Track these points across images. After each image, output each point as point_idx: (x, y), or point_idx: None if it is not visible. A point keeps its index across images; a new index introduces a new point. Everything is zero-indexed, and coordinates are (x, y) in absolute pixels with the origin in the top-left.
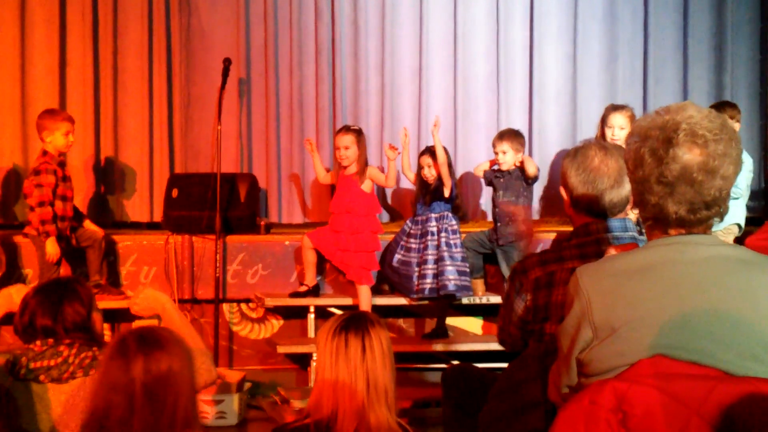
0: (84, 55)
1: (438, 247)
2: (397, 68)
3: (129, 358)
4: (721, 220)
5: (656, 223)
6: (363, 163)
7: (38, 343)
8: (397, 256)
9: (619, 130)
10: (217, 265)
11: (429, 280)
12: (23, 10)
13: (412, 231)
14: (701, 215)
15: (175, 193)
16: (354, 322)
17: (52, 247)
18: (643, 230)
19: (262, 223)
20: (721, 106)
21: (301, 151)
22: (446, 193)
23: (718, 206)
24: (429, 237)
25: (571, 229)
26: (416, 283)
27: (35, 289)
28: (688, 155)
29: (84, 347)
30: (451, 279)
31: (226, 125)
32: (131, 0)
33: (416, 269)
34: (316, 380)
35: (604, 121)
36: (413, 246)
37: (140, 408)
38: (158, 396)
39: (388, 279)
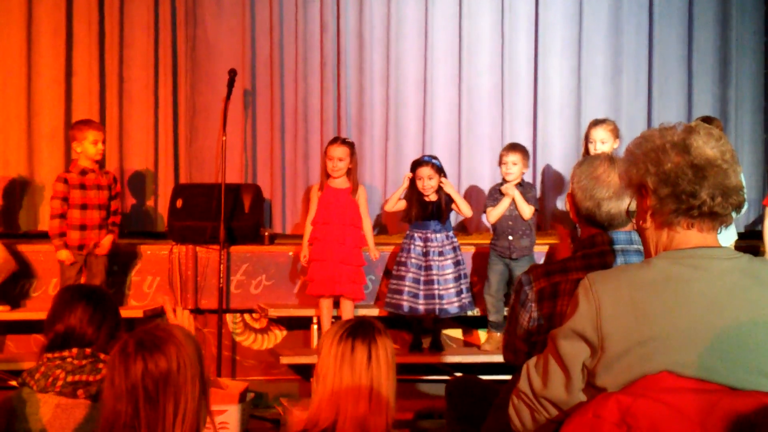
0: (90, 65)
1: (457, 264)
2: (402, 80)
3: (129, 362)
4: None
5: (686, 212)
6: (355, 178)
7: (74, 351)
8: (415, 277)
9: (600, 143)
10: (221, 275)
11: (455, 298)
12: (30, 20)
13: (424, 248)
14: (733, 201)
15: (179, 203)
16: (361, 329)
17: (60, 257)
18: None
19: (266, 233)
20: (707, 120)
21: (305, 161)
22: (467, 213)
23: (743, 190)
24: (450, 255)
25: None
26: (446, 300)
27: (73, 293)
28: (708, 148)
29: None
30: (464, 297)
31: (231, 136)
32: (137, 10)
33: (440, 286)
34: (317, 387)
35: (587, 137)
36: (434, 263)
37: (144, 413)
38: (158, 398)
39: (410, 308)
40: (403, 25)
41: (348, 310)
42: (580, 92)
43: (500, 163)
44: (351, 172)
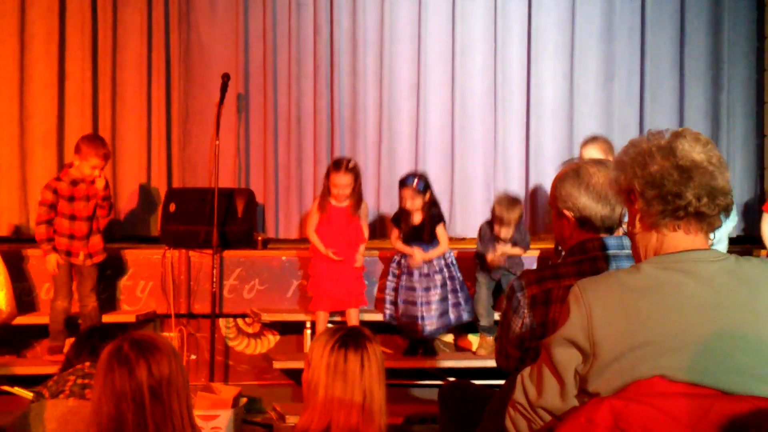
0: (83, 69)
1: (452, 279)
2: (395, 84)
3: (131, 364)
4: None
5: (672, 213)
6: (357, 196)
7: (87, 365)
8: (400, 298)
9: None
10: (214, 279)
11: (436, 320)
12: (23, 23)
13: (407, 269)
14: (720, 202)
15: (172, 207)
16: (352, 339)
17: (49, 264)
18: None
19: (260, 238)
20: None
21: (298, 166)
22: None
23: (730, 193)
24: (438, 276)
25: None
26: (427, 321)
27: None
28: (694, 152)
29: None
30: (463, 310)
31: (224, 140)
32: (131, 14)
33: (423, 308)
34: (308, 397)
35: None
36: (416, 285)
37: (150, 410)
38: (163, 397)
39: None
40: (396, 29)
41: (354, 318)
42: (572, 97)
43: (492, 218)
44: (354, 193)
